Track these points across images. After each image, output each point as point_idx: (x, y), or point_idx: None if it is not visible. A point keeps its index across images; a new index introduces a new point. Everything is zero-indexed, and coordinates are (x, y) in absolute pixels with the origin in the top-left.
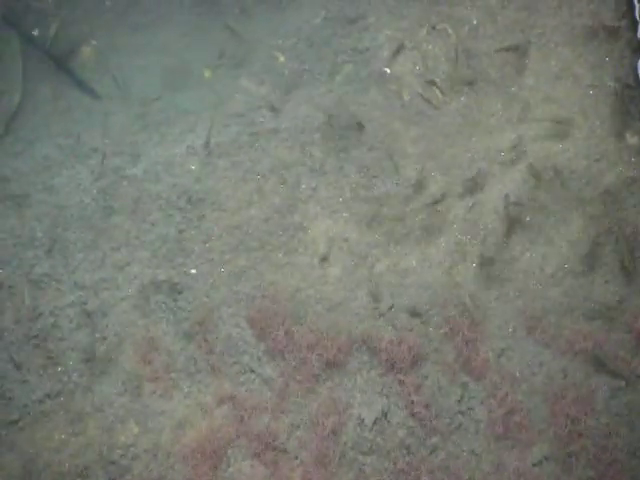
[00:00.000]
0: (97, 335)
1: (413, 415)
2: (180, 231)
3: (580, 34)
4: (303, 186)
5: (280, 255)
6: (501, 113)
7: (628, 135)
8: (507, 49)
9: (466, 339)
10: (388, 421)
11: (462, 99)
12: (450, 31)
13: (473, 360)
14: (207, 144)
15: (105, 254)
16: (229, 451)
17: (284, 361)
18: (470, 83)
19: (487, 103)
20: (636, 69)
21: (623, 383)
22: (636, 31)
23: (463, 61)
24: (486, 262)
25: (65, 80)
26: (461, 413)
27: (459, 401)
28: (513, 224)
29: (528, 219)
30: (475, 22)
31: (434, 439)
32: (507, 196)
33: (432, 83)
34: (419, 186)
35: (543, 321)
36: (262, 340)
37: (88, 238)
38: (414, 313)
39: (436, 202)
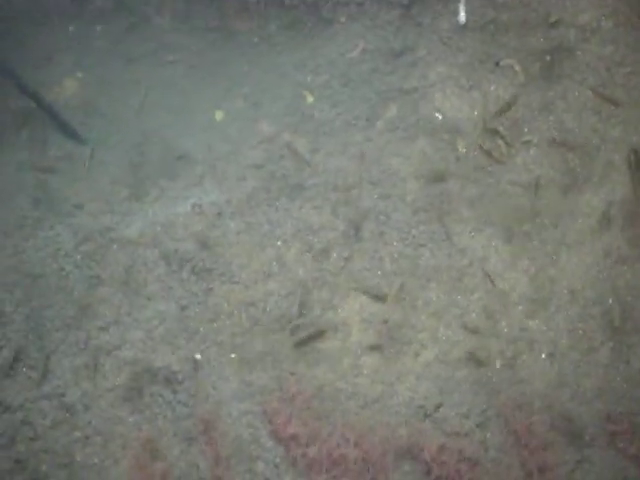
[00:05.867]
0: (77, 434)
1: None
2: (182, 307)
3: None
4: (334, 255)
5: (304, 339)
6: (579, 170)
7: None
8: (589, 91)
9: (531, 448)
10: None
11: (531, 152)
12: (517, 68)
13: (540, 474)
14: (217, 202)
15: (89, 334)
16: None
17: (307, 470)
18: (541, 133)
19: (562, 159)
20: None
21: None
22: None
23: (533, 106)
24: (559, 353)
25: (44, 121)
26: None
27: None
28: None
29: (610, 301)
30: (549, 58)
31: None
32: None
33: (494, 132)
34: (476, 257)
35: (627, 427)
36: (280, 444)
37: (68, 314)
38: (468, 414)
39: (497, 277)
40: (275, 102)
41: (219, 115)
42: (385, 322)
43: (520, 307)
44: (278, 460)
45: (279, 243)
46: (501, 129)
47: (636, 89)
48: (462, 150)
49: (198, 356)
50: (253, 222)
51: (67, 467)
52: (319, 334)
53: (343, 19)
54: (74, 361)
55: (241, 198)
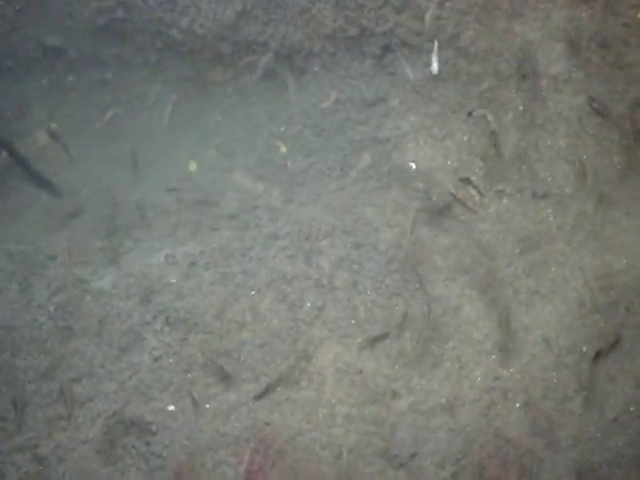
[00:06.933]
0: None
1: None
2: (155, 359)
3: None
4: (308, 304)
5: (278, 389)
6: (552, 219)
7: None
8: (561, 141)
9: None
10: None
11: (504, 201)
12: (490, 118)
13: None
14: (191, 252)
15: (62, 386)
16: None
17: None
18: (514, 183)
19: (534, 208)
20: None
21: None
22: None
23: (506, 155)
24: (533, 402)
25: (17, 172)
26: None
27: None
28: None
29: (584, 350)
30: (521, 108)
31: None
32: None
33: (467, 181)
34: (450, 306)
35: (602, 477)
36: None
37: (42, 366)
38: (442, 463)
39: (471, 326)
40: (249, 152)
41: (193, 165)
42: (359, 372)
43: (494, 356)
44: None
45: (253, 293)
46: (474, 179)
47: (607, 139)
48: (435, 199)
49: (171, 407)
50: (227, 272)
51: None
52: (293, 384)
53: (316, 69)
54: (47, 413)
55: (215, 248)
